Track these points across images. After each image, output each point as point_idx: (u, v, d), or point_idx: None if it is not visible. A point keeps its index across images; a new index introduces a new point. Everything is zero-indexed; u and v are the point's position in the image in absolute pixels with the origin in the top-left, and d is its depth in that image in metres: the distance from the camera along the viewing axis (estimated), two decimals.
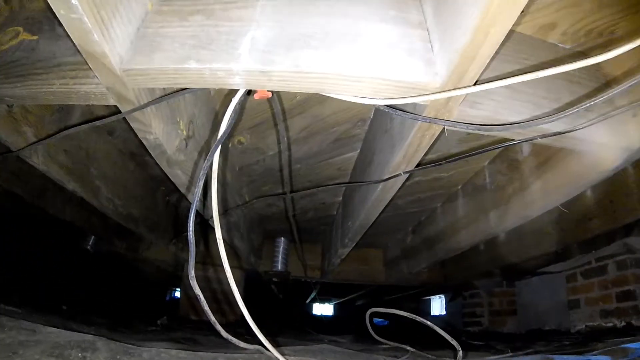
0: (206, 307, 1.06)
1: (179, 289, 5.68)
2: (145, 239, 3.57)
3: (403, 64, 0.94)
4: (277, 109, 1.50)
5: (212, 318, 1.11)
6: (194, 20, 1.02)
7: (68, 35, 0.87)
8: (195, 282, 0.97)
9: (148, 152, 1.36)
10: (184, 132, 1.35)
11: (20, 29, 1.29)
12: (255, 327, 1.10)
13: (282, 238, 3.85)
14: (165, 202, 3.02)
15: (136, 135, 1.26)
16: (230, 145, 1.99)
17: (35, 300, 2.46)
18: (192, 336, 1.92)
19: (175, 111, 1.28)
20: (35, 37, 1.26)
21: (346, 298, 6.89)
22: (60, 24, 0.83)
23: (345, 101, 1.04)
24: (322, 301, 10.28)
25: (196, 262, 1.02)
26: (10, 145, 1.64)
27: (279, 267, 3.78)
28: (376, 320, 6.05)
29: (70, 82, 1.14)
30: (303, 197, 2.73)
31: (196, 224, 1.09)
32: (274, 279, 3.78)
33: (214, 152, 0.99)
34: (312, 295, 5.13)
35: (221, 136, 1.00)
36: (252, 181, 2.46)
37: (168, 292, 7.62)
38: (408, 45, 0.98)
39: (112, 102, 1.09)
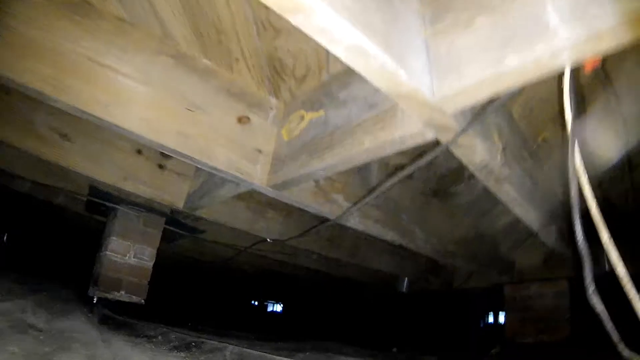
0: (610, 324, 0.88)
1: (492, 314, 5.39)
2: (461, 271, 3.51)
3: None
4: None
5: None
6: (479, 23, 0.92)
7: (352, 98, 0.88)
8: (597, 297, 0.82)
9: (448, 184, 1.29)
10: (500, 145, 1.25)
11: (303, 111, 1.42)
12: None
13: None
14: (475, 227, 2.89)
15: (434, 171, 1.21)
16: (534, 145, 1.76)
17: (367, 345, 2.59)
18: None
19: (485, 125, 1.19)
20: (321, 113, 1.35)
21: None
22: (340, 93, 0.85)
23: None
24: None
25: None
26: (326, 214, 1.79)
27: (606, 268, 3.05)
28: None
29: (379, 133, 1.15)
30: None
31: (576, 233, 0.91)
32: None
33: (574, 151, 0.85)
34: None
35: (573, 130, 0.85)
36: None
37: (482, 318, 7.36)
38: None
39: (428, 136, 1.07)
